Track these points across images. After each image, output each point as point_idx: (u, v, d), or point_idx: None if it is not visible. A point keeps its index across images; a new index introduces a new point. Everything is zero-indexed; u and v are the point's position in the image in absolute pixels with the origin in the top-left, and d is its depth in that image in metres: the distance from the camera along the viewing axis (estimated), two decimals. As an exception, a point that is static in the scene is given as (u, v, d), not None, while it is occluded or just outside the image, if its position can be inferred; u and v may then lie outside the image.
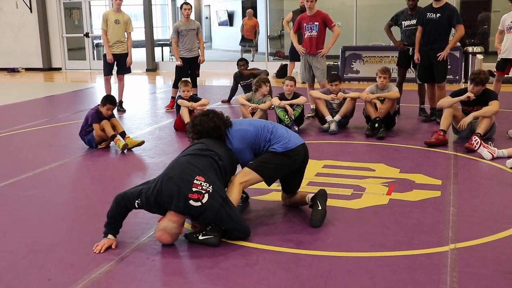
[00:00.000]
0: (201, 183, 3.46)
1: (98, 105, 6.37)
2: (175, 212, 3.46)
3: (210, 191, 3.46)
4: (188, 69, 9.02)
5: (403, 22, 7.68)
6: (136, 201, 3.51)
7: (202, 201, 3.42)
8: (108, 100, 6.38)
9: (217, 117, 3.95)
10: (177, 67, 9.02)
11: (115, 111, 8.66)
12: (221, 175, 3.66)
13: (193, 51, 8.99)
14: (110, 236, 3.55)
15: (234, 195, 3.74)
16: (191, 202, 3.41)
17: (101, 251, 3.46)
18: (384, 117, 6.68)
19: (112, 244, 3.52)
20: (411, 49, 7.59)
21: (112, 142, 6.29)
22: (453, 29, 7.28)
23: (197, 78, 9.17)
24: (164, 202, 3.46)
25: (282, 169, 3.95)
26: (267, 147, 3.93)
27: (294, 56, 9.78)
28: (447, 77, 7.47)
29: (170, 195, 3.43)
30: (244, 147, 3.93)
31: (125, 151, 6.12)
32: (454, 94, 6.28)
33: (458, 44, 8.94)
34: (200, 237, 3.54)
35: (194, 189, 3.43)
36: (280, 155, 3.89)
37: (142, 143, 6.25)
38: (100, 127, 6.23)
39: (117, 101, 8.92)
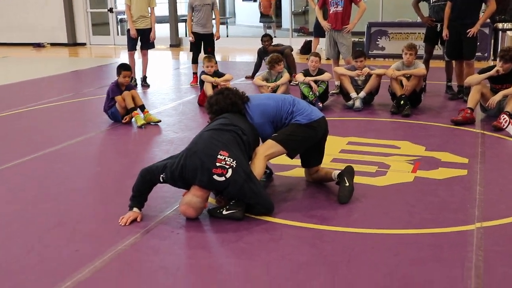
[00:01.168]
0: (224, 158, 3.46)
1: (116, 79, 6.43)
2: (199, 187, 3.48)
3: (234, 166, 3.46)
4: (201, 45, 8.95)
5: None
6: (161, 175, 3.53)
7: (226, 176, 3.43)
8: (122, 67, 6.44)
9: (232, 94, 3.95)
10: (191, 43, 8.97)
11: (139, 87, 8.76)
12: (245, 149, 3.67)
13: (207, 27, 8.87)
14: (135, 209, 3.59)
15: (258, 168, 3.74)
16: (215, 177, 3.43)
17: (127, 224, 3.50)
18: (410, 94, 6.59)
19: (137, 217, 3.57)
20: (439, 25, 7.42)
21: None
22: (483, 4, 7.10)
23: (215, 54, 9.10)
24: (188, 176, 3.47)
25: (306, 142, 3.94)
26: (290, 119, 3.92)
27: (318, 32, 9.65)
28: (476, 54, 7.32)
29: (194, 169, 3.44)
30: (265, 121, 3.93)
31: (143, 126, 6.16)
32: (482, 71, 6.16)
33: (488, 20, 8.70)
34: (224, 212, 3.56)
35: (217, 164, 3.43)
36: (304, 127, 3.88)
37: (159, 121, 6.30)
38: (122, 98, 6.28)
39: (141, 76, 9.01)
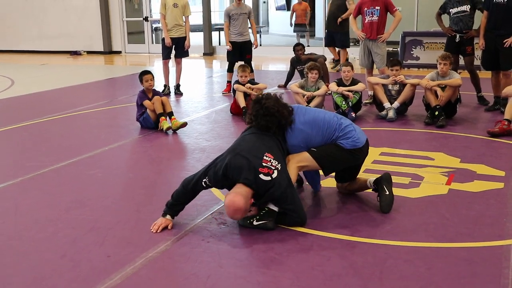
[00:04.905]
0: (270, 160, 3.46)
1: (142, 88, 6.60)
2: (244, 185, 3.41)
3: (279, 168, 3.47)
4: (239, 53, 9.02)
5: (450, 10, 7.48)
6: (203, 180, 3.50)
7: (272, 176, 3.42)
8: (142, 73, 6.59)
9: (276, 116, 3.63)
10: (228, 51, 9.06)
11: (172, 95, 8.86)
12: (284, 156, 3.67)
13: (244, 35, 8.99)
14: (168, 216, 3.60)
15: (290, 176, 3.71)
16: (261, 176, 3.40)
17: (158, 231, 3.52)
18: (445, 105, 6.49)
19: (169, 225, 3.58)
20: (458, 35, 7.41)
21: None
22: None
23: (252, 62, 9.16)
24: (233, 175, 3.41)
25: (343, 164, 3.89)
26: (333, 143, 3.82)
27: (330, 42, 9.76)
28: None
29: (240, 167, 3.40)
30: (299, 146, 3.81)
31: (168, 131, 6.28)
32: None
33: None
34: (255, 223, 3.54)
35: (264, 164, 3.42)
36: (346, 152, 3.80)
37: (185, 124, 6.36)
38: (151, 103, 6.41)
39: (175, 84, 9.10)
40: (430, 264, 3.07)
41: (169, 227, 3.57)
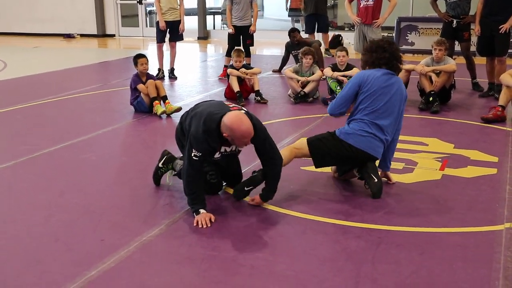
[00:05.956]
0: (234, 106, 3.58)
1: (136, 71, 6.57)
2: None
3: (247, 110, 3.58)
4: (240, 37, 8.97)
5: None
6: (193, 154, 3.40)
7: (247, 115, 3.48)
8: (137, 56, 6.57)
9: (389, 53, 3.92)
10: (229, 35, 8.99)
11: (166, 78, 8.81)
12: None
13: (245, 20, 8.89)
14: (201, 211, 3.45)
15: (283, 156, 3.75)
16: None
17: (208, 224, 3.38)
18: (439, 90, 6.49)
19: (210, 217, 3.43)
20: (454, 21, 7.39)
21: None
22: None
23: (250, 47, 9.10)
24: (211, 122, 3.38)
25: (334, 158, 3.92)
26: (352, 116, 3.91)
27: (312, 28, 9.74)
28: (508, 51, 7.17)
29: (214, 113, 3.42)
30: (353, 86, 3.91)
31: (162, 116, 6.25)
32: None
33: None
34: (246, 188, 3.72)
35: (230, 106, 3.53)
36: (336, 141, 3.85)
37: (179, 109, 6.32)
38: (144, 87, 6.39)
39: (169, 68, 9.05)
40: (422, 249, 3.09)
41: (212, 219, 3.43)
